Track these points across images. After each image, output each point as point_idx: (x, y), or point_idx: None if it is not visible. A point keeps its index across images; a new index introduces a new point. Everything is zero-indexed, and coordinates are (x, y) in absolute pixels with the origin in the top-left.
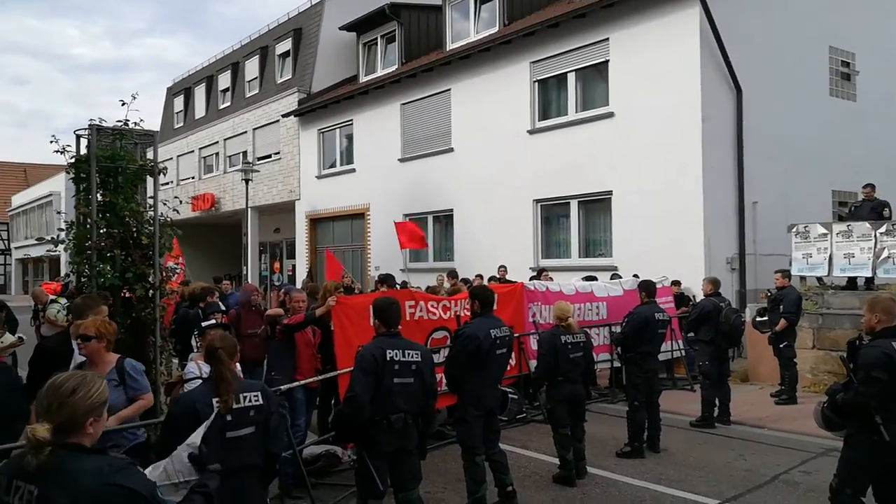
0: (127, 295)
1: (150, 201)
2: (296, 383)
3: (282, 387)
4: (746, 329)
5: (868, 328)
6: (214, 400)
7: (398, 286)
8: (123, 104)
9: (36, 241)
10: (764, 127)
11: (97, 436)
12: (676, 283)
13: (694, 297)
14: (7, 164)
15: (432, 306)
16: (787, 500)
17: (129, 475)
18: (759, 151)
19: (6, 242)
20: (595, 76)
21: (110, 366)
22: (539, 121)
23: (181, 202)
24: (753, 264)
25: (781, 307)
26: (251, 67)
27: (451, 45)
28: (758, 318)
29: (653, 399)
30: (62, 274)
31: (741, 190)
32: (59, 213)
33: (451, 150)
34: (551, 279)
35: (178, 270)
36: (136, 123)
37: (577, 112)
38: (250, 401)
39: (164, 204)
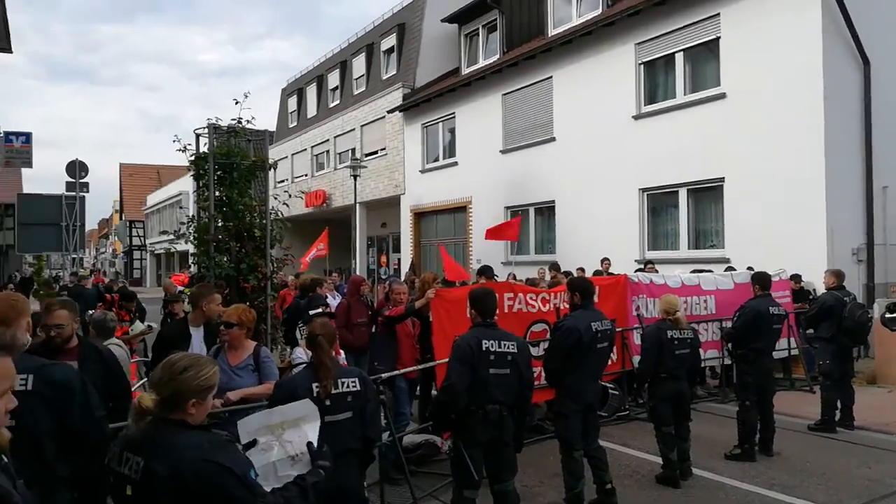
0: (243, 285)
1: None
2: (396, 372)
3: (383, 375)
4: (874, 326)
5: None
6: (314, 385)
7: (496, 278)
8: (237, 103)
9: (160, 235)
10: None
11: (199, 418)
12: (796, 277)
13: (814, 290)
14: (142, 167)
15: (531, 299)
16: None
17: (226, 452)
18: (890, 130)
19: (142, 239)
20: (705, 55)
21: (248, 352)
22: (645, 105)
23: (290, 196)
24: (884, 255)
25: None
26: (358, 65)
27: (552, 31)
28: (888, 315)
29: (766, 399)
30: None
31: (869, 174)
32: (181, 208)
33: (554, 139)
34: (657, 272)
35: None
36: (248, 122)
37: (685, 94)
38: (348, 386)
39: (275, 198)
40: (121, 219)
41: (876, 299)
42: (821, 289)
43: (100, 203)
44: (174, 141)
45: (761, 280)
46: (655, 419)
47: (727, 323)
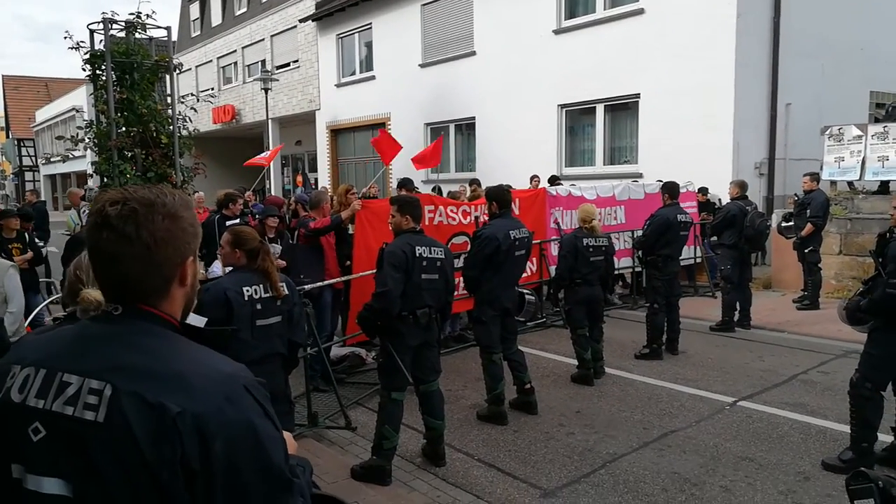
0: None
1: (169, 100)
2: (325, 282)
3: (306, 286)
4: (772, 235)
5: None
6: (245, 289)
7: (416, 190)
8: None
9: (58, 157)
10: (802, 22)
11: None
12: (703, 189)
13: (720, 200)
14: (29, 79)
15: (452, 211)
16: (803, 397)
17: None
18: (795, 49)
19: (33, 158)
20: None
21: None
22: (565, 20)
23: (198, 100)
24: (783, 169)
25: (808, 211)
26: None
27: None
28: (783, 223)
29: (673, 302)
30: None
31: (774, 91)
32: (78, 111)
33: (474, 53)
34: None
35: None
36: (148, 16)
37: (605, 9)
38: None
39: (182, 102)
40: (7, 136)
41: (774, 210)
42: (726, 200)
43: None
44: (65, 38)
45: (670, 189)
46: (571, 322)
47: (638, 232)
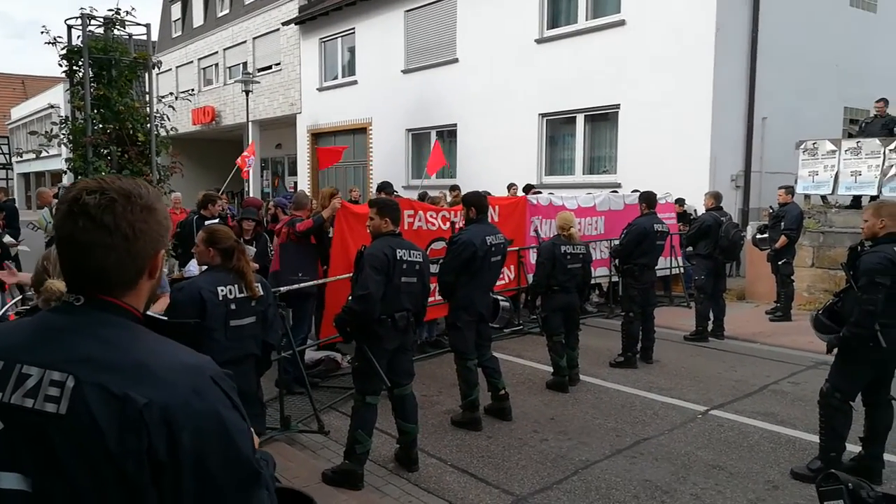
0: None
1: (147, 98)
2: (317, 281)
3: (282, 288)
4: (746, 247)
5: (870, 234)
6: (219, 288)
7: (396, 194)
8: None
9: (30, 152)
10: (780, 38)
11: None
12: (680, 200)
13: (695, 211)
14: (4, 77)
15: (431, 216)
16: (774, 407)
17: None
18: (772, 64)
19: (7, 157)
20: None
21: None
22: (547, 29)
23: (176, 98)
24: (759, 182)
25: (782, 224)
26: None
27: None
28: (758, 235)
29: (648, 311)
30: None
31: (751, 104)
32: (53, 106)
33: (456, 60)
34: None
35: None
36: (128, 13)
37: (587, 20)
38: None
39: (160, 101)
40: None
41: (749, 222)
42: (701, 211)
43: None
44: (42, 32)
45: (648, 199)
46: (547, 328)
47: (616, 242)
